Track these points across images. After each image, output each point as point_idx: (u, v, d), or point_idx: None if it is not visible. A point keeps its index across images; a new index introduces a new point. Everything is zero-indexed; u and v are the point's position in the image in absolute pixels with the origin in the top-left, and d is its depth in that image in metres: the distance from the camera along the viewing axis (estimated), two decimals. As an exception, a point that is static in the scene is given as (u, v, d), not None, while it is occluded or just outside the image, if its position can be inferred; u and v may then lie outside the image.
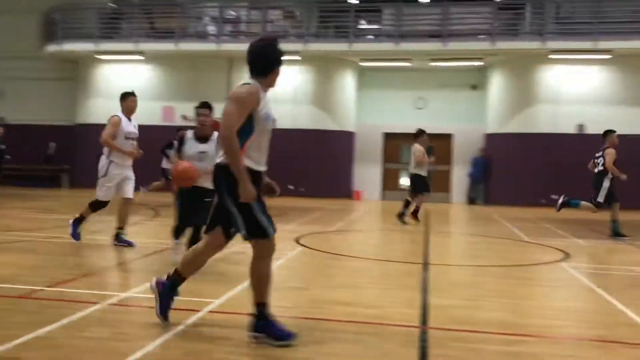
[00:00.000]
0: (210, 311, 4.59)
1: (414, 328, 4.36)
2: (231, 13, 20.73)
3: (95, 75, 21.35)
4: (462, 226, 13.58)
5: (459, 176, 20.22)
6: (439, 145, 20.62)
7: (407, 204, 12.21)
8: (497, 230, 11.76)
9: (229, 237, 4.13)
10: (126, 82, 20.94)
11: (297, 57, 19.12)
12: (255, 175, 3.84)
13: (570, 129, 18.60)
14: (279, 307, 4.80)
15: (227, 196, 3.84)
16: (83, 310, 4.43)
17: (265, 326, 3.89)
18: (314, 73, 20.07)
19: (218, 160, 3.91)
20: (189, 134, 6.34)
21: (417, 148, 12.13)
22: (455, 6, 18.67)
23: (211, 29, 20.55)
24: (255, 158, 3.90)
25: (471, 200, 19.76)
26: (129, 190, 7.81)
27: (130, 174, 7.92)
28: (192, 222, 6.23)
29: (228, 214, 3.89)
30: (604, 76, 18.56)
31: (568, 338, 4.32)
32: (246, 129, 3.83)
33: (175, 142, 6.51)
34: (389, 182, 21.05)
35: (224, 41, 19.54)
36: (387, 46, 18.64)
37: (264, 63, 4.00)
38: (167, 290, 4.14)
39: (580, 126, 18.54)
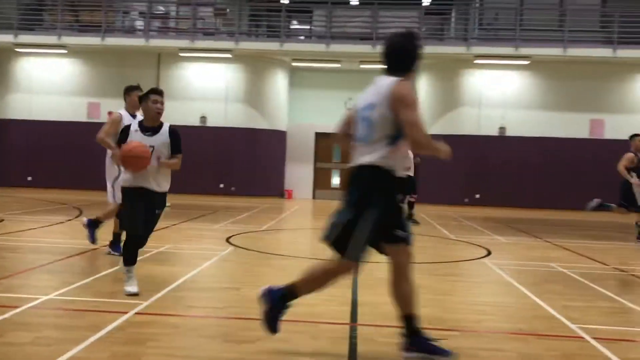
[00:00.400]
0: (137, 313, 4.49)
1: (344, 325, 4.43)
2: (160, 8, 20.28)
3: (14, 68, 20.34)
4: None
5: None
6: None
7: (410, 204, 12.66)
8: (424, 228, 12.10)
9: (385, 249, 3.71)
10: (48, 77, 20.15)
11: (229, 55, 18.98)
12: (398, 181, 3.61)
13: (492, 131, 19.39)
14: (209, 308, 4.77)
15: (380, 198, 3.52)
16: (2, 315, 4.23)
17: (420, 342, 3.62)
18: (245, 71, 19.96)
19: (365, 161, 3.53)
20: (134, 124, 5.32)
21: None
22: (385, 10, 19.07)
23: (139, 23, 20.03)
24: (400, 163, 3.62)
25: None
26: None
27: None
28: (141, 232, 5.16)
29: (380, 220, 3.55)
30: (524, 81, 19.48)
31: (490, 332, 4.52)
32: (400, 132, 3.53)
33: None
34: (320, 181, 21.23)
35: (153, 37, 19.10)
36: (318, 47, 18.80)
37: (410, 58, 3.67)
38: (276, 302, 3.74)
39: (502, 128, 19.37)
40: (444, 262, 7.85)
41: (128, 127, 5.29)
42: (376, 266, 7.40)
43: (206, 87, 19.80)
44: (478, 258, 8.15)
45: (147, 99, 5.23)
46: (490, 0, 19.46)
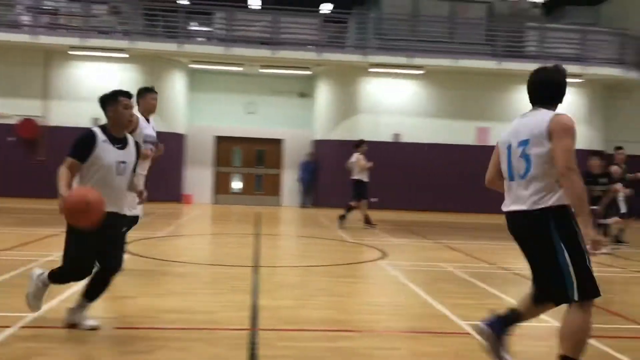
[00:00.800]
0: (22, 327, 4.23)
1: (244, 330, 4.42)
2: (48, 4, 19.17)
3: None
4: (291, 228, 13.99)
5: (289, 180, 20.78)
6: (269, 149, 21.10)
7: (349, 208, 12.96)
8: (323, 231, 12.30)
9: (561, 302, 3.45)
10: None
11: (124, 55, 18.29)
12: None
13: (388, 137, 20.08)
14: (104, 319, 4.57)
15: (561, 245, 3.28)
16: None
17: None
18: (141, 72, 19.31)
19: (539, 203, 3.32)
20: (99, 133, 4.26)
21: (358, 157, 13.11)
22: (285, 15, 19.22)
23: (25, 19, 18.81)
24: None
25: (304, 204, 20.41)
26: (140, 208, 6.41)
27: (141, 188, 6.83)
28: (108, 264, 4.27)
29: (554, 270, 3.30)
30: (418, 90, 20.34)
31: (385, 331, 4.68)
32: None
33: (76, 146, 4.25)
34: (220, 185, 20.95)
35: (40, 33, 18.01)
36: (217, 50, 18.58)
37: (562, 92, 3.56)
38: (497, 329, 3.64)
39: (397, 135, 20.12)
40: (341, 265, 8.03)
41: (93, 137, 4.22)
42: (275, 270, 7.45)
43: (98, 87, 18.56)
44: (374, 260, 8.41)
45: (116, 103, 4.32)
46: (387, 11, 20.14)
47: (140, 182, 6.14)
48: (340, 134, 20.12)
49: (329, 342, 4.25)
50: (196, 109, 20.65)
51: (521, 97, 20.27)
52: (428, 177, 19.74)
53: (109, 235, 4.22)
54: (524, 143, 3.41)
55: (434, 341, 4.40)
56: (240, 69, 19.83)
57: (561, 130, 3.29)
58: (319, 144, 20.54)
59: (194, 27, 20.11)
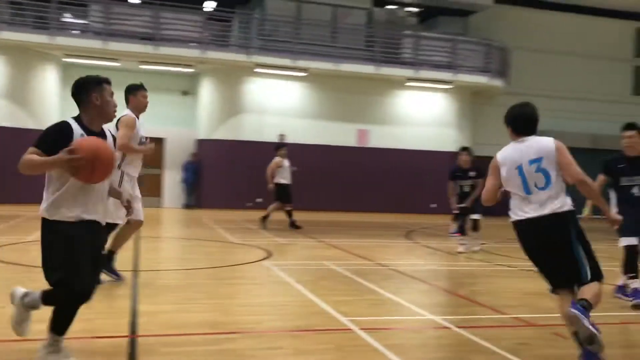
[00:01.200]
0: None
1: (123, 338, 4.27)
2: None
3: None
4: (173, 230, 13.64)
5: (172, 180, 20.24)
6: (149, 149, 20.38)
7: (288, 212, 13.25)
8: (207, 233, 12.13)
9: (574, 284, 4.05)
10: None
11: (-13, 45, 16.89)
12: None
13: (273, 137, 20.18)
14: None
15: (577, 242, 3.97)
16: None
17: None
18: (7, 64, 17.92)
19: (561, 208, 3.99)
20: (75, 127, 3.66)
21: (276, 161, 13.33)
22: (167, 11, 18.68)
23: None
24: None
25: (188, 205, 19.94)
26: (141, 211, 6.00)
27: (138, 192, 6.14)
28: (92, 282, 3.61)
29: (574, 264, 3.96)
30: (302, 92, 20.64)
31: (270, 331, 4.73)
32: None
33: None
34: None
35: None
36: (94, 43, 17.68)
37: (537, 123, 4.32)
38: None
39: (282, 136, 20.27)
40: (225, 266, 7.97)
41: (70, 130, 3.59)
42: (156, 274, 7.23)
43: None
44: (259, 260, 8.44)
45: (102, 89, 3.77)
46: (270, 12, 20.24)
47: (128, 187, 5.85)
48: (225, 133, 19.93)
49: (212, 345, 4.22)
50: (71, 104, 19.44)
51: (398, 101, 21.27)
52: (311, 177, 20.09)
53: (90, 249, 3.57)
54: (537, 160, 4.08)
55: (317, 338, 4.51)
56: (118, 64, 19.00)
57: (565, 150, 4.10)
58: (203, 144, 20.21)
59: (68, 18, 18.95)
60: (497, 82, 21.34)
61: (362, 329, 4.75)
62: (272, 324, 4.96)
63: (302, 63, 19.28)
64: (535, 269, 4.19)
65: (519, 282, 7.47)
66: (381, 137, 21.03)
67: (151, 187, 20.12)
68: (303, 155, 20.19)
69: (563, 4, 23.84)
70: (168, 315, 4.98)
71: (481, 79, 20.98)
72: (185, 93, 20.77)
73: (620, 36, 25.29)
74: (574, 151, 4.14)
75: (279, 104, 20.26)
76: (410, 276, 7.55)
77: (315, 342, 4.40)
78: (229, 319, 5.03)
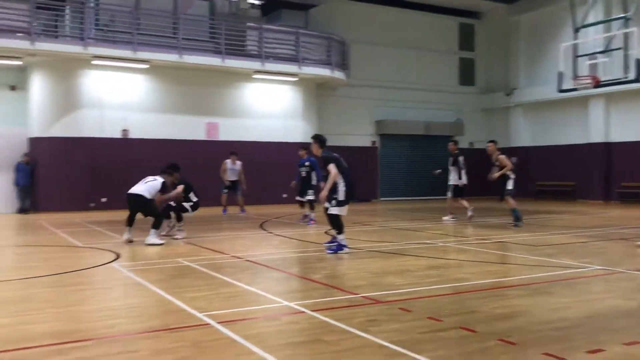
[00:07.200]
0: None
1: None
2: None
3: None
4: (8, 238, 12.49)
5: (2, 183, 18.46)
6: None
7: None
8: (47, 238, 11.30)
9: None
10: None
11: None
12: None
13: (115, 133, 19.23)
14: None
15: None
16: None
17: None
18: None
19: None
20: None
21: (225, 161, 14.40)
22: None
23: None
24: None
25: (23, 210, 18.26)
26: None
27: None
28: None
29: None
30: (145, 84, 19.83)
31: (122, 335, 4.56)
32: None
33: None
34: None
35: None
36: None
37: None
38: None
39: (125, 131, 19.39)
40: (71, 272, 7.51)
41: None
42: (-8, 287, 6.62)
43: None
44: (107, 263, 8.06)
45: None
46: (106, 2, 19.16)
47: None
48: (61, 130, 18.62)
49: (60, 356, 3.98)
50: None
51: (246, 93, 21.33)
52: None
53: None
54: None
55: (174, 337, 4.44)
56: None
57: None
58: (37, 142, 18.69)
59: None
60: (339, 74, 22.20)
61: (219, 322, 4.77)
62: (125, 327, 4.80)
63: (143, 54, 18.53)
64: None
65: (366, 262, 7.92)
66: (231, 130, 20.95)
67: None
68: (149, 150, 19.49)
69: None
70: (7, 330, 4.61)
71: (324, 72, 21.69)
72: (12, 88, 19.02)
73: (447, 30, 27.54)
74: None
75: (120, 97, 19.32)
76: (264, 266, 7.67)
77: (172, 341, 4.34)
78: (78, 327, 4.77)
